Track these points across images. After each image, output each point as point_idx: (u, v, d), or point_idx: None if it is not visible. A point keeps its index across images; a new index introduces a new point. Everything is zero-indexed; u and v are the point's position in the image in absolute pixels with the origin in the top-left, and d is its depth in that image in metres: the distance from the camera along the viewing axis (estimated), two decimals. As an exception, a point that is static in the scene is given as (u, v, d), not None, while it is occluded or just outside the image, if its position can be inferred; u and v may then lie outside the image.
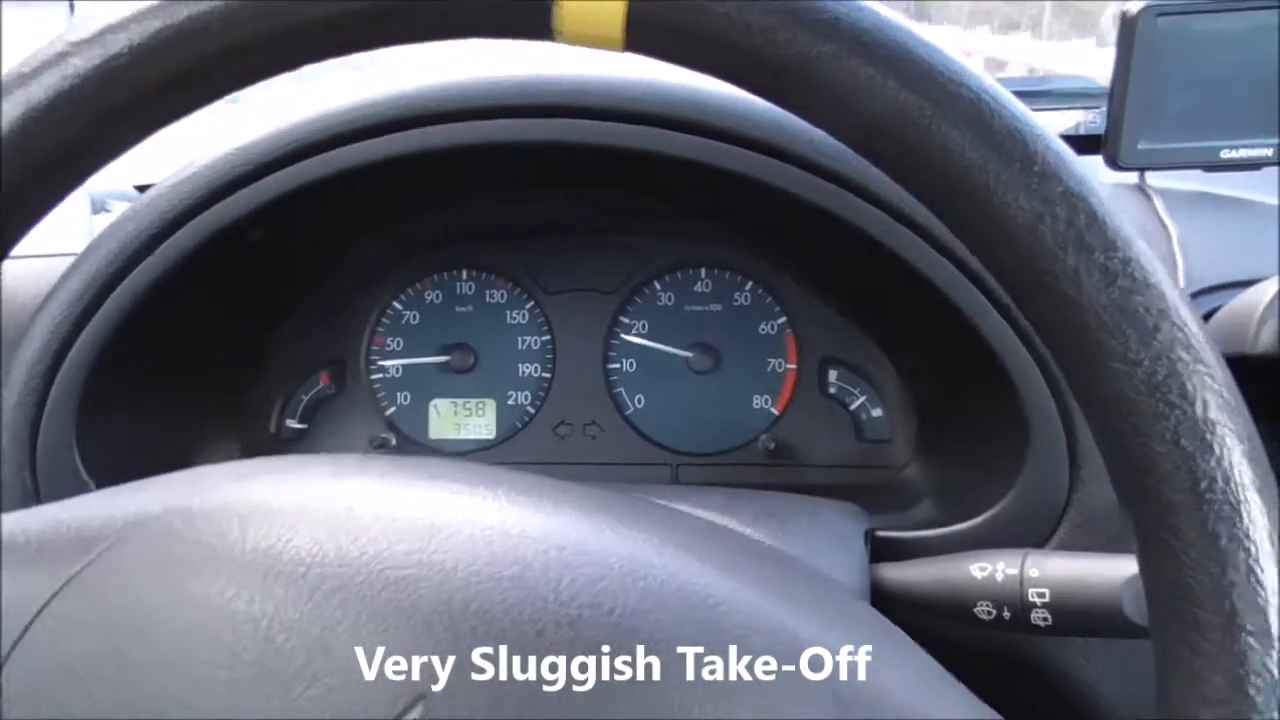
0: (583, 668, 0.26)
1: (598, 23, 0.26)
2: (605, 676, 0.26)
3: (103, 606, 0.28)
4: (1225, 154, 0.65)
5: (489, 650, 0.26)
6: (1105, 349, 0.24)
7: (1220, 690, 0.24)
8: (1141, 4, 0.61)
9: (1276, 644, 0.23)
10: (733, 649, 0.27)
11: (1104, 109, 0.66)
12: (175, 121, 0.29)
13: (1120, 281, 0.24)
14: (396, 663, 0.26)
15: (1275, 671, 0.23)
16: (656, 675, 0.26)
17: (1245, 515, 0.23)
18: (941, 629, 0.42)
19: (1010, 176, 0.25)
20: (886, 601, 0.45)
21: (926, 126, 0.25)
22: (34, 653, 0.28)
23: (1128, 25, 0.62)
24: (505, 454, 0.69)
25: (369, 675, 0.26)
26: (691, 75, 0.53)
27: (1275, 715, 0.23)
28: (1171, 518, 0.24)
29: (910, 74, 0.25)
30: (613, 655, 0.26)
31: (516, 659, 0.26)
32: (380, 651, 0.26)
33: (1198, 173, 0.68)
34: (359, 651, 0.26)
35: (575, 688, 0.26)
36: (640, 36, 0.26)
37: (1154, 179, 0.67)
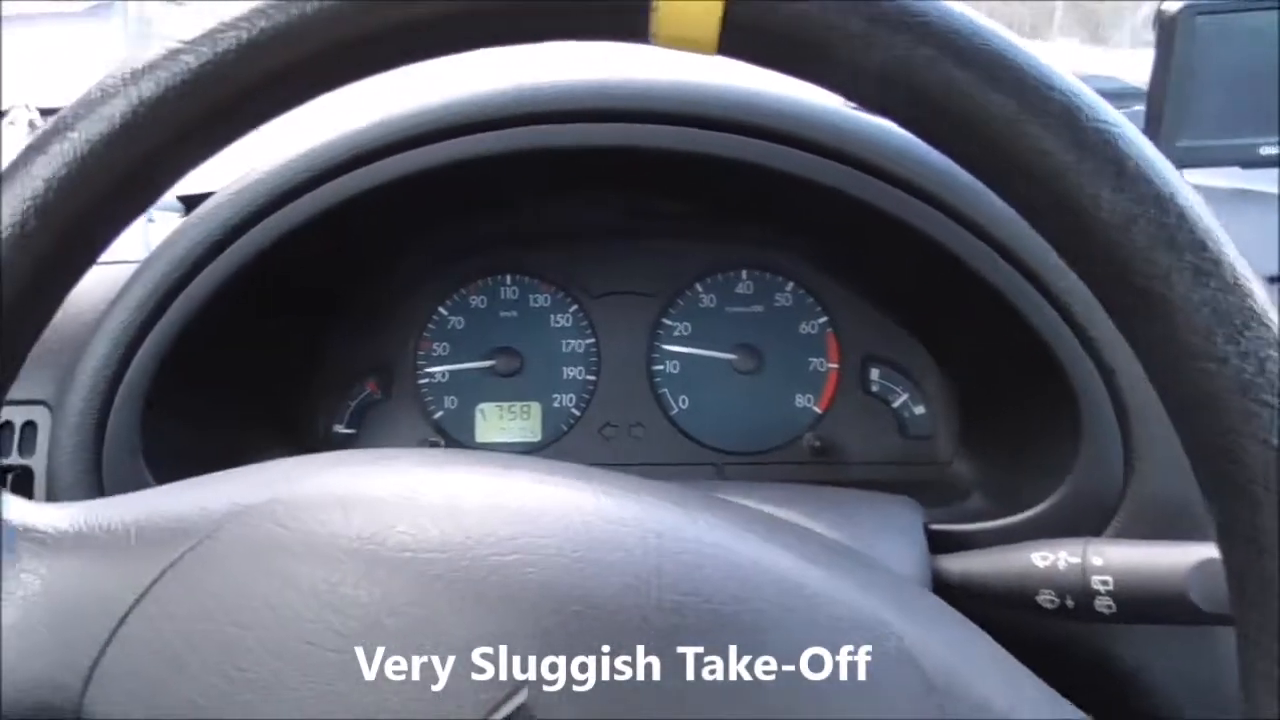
0: (682, 658, 0.27)
1: (694, 24, 0.27)
2: (704, 668, 0.27)
3: (206, 592, 0.29)
4: (1264, 150, 0.66)
5: (594, 634, 0.27)
6: (1195, 349, 0.25)
7: None
8: (1181, 3, 0.62)
9: None
10: (828, 639, 0.28)
11: (1136, 109, 0.67)
12: (280, 115, 0.30)
13: (1211, 282, 0.24)
14: (502, 649, 0.27)
15: None
16: (752, 665, 0.27)
17: None
18: (999, 621, 0.43)
19: (1102, 178, 0.25)
20: (948, 593, 0.46)
21: (1019, 128, 0.25)
22: (134, 640, 0.29)
23: (1167, 25, 0.63)
24: (551, 456, 0.70)
25: (475, 660, 0.27)
26: (731, 74, 0.54)
27: None
28: (1260, 516, 0.24)
29: (1003, 77, 0.25)
30: (713, 642, 0.27)
31: (620, 649, 0.27)
32: (486, 633, 0.27)
33: (1236, 170, 0.68)
34: (465, 633, 0.27)
35: (678, 672, 0.26)
36: (735, 38, 0.27)
37: (1192, 176, 0.67)
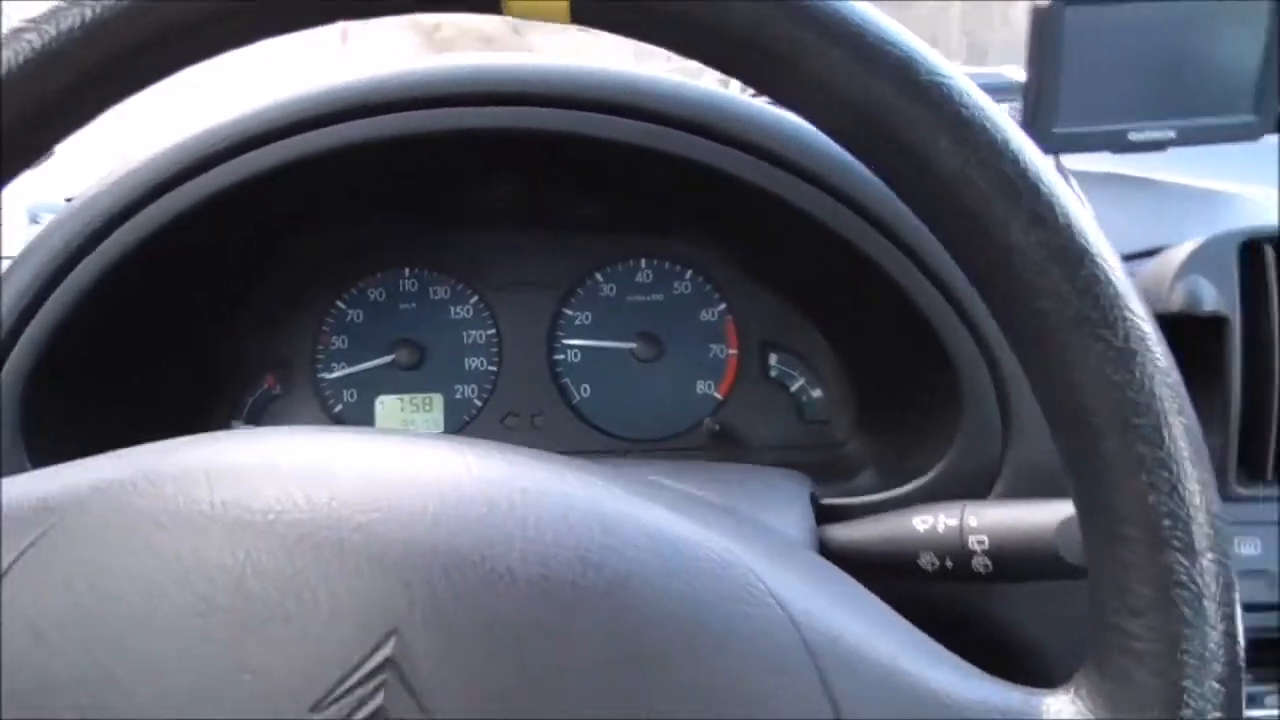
0: (552, 600, 0.27)
1: None
2: (575, 609, 0.27)
3: (68, 566, 0.28)
4: (1133, 136, 0.69)
5: (459, 586, 0.27)
6: (1034, 287, 0.26)
7: (1147, 600, 0.25)
8: (1050, -5, 0.65)
9: (1200, 557, 0.25)
10: (698, 582, 0.28)
11: (1018, 103, 0.70)
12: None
13: (1047, 223, 0.26)
14: (368, 600, 0.26)
15: (1199, 582, 0.25)
16: (624, 606, 0.27)
17: (1167, 436, 0.25)
18: (883, 591, 0.44)
19: (939, 129, 0.26)
20: (833, 560, 0.47)
21: (859, 81, 0.26)
22: None
23: (1039, 15, 0.66)
24: None
25: (341, 613, 0.26)
26: (624, 61, 0.55)
27: (1199, 623, 0.25)
28: (1100, 442, 0.25)
29: (840, 32, 0.26)
30: (582, 589, 0.27)
31: (486, 600, 0.27)
32: (351, 590, 0.26)
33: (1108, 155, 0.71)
34: (330, 591, 0.27)
35: (546, 619, 0.27)
36: (587, 6, 0.28)
37: (1069, 161, 0.70)
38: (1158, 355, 0.26)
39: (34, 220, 0.75)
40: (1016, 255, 0.26)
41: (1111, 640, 0.26)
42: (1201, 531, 0.25)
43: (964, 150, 0.26)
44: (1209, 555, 0.25)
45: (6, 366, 0.52)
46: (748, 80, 0.29)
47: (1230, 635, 0.25)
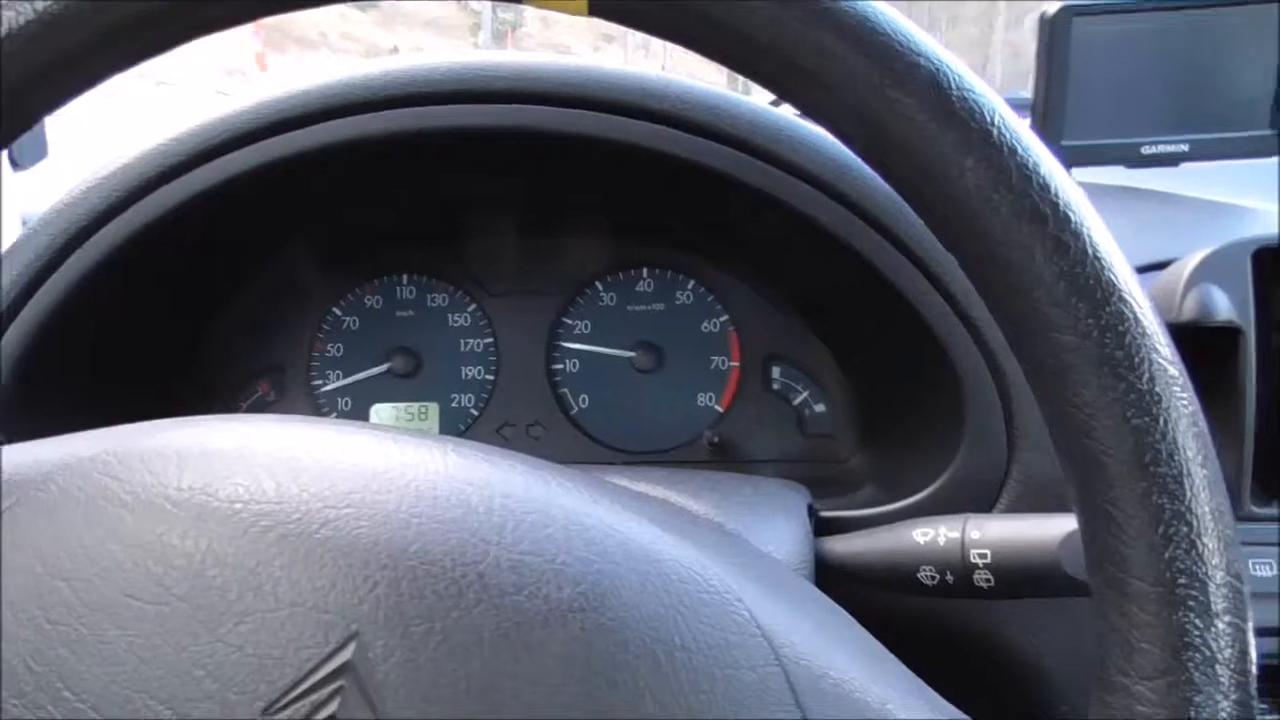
0: (523, 613, 0.26)
1: None
2: (545, 623, 0.26)
3: (27, 544, 0.27)
4: (1145, 150, 0.68)
5: (427, 591, 0.26)
6: (1055, 321, 0.24)
7: (1157, 663, 0.24)
8: (1059, 4, 0.64)
9: (1216, 620, 0.23)
10: (677, 605, 0.27)
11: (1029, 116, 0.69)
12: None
13: (1072, 253, 0.24)
14: (330, 600, 0.25)
15: (1213, 646, 0.23)
16: (596, 625, 0.26)
17: (1188, 489, 0.24)
18: (887, 606, 0.43)
19: (965, 148, 0.25)
20: (831, 573, 0.45)
21: (884, 94, 0.25)
22: None
23: (1046, 26, 0.65)
24: None
25: (301, 612, 0.25)
26: (627, 60, 0.54)
27: (1211, 691, 0.23)
28: (1115, 490, 0.24)
29: (870, 42, 0.25)
30: (555, 603, 0.26)
31: (454, 606, 0.25)
32: (314, 588, 0.25)
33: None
34: (292, 588, 0.25)
35: (514, 632, 0.25)
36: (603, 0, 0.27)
37: (1079, 174, 0.69)
38: (1184, 401, 0.24)
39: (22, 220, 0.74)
40: (1038, 284, 0.24)
41: (1115, 701, 0.25)
42: (1219, 592, 0.24)
43: (990, 171, 0.25)
44: (1225, 618, 0.24)
45: None
46: (765, 83, 0.28)
47: (1244, 704, 0.24)
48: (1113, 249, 0.25)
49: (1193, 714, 0.23)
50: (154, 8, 0.27)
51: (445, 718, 0.24)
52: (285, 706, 0.24)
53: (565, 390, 0.70)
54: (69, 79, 0.29)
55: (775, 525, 0.46)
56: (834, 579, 0.45)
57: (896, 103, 0.25)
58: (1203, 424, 0.24)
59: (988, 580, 0.41)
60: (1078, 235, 0.24)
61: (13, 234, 0.71)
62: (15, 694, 0.26)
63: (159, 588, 0.26)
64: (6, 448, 0.32)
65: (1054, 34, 0.64)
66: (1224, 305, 0.50)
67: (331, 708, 0.24)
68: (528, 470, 0.30)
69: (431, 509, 0.27)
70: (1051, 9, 0.64)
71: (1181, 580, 0.23)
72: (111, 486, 0.28)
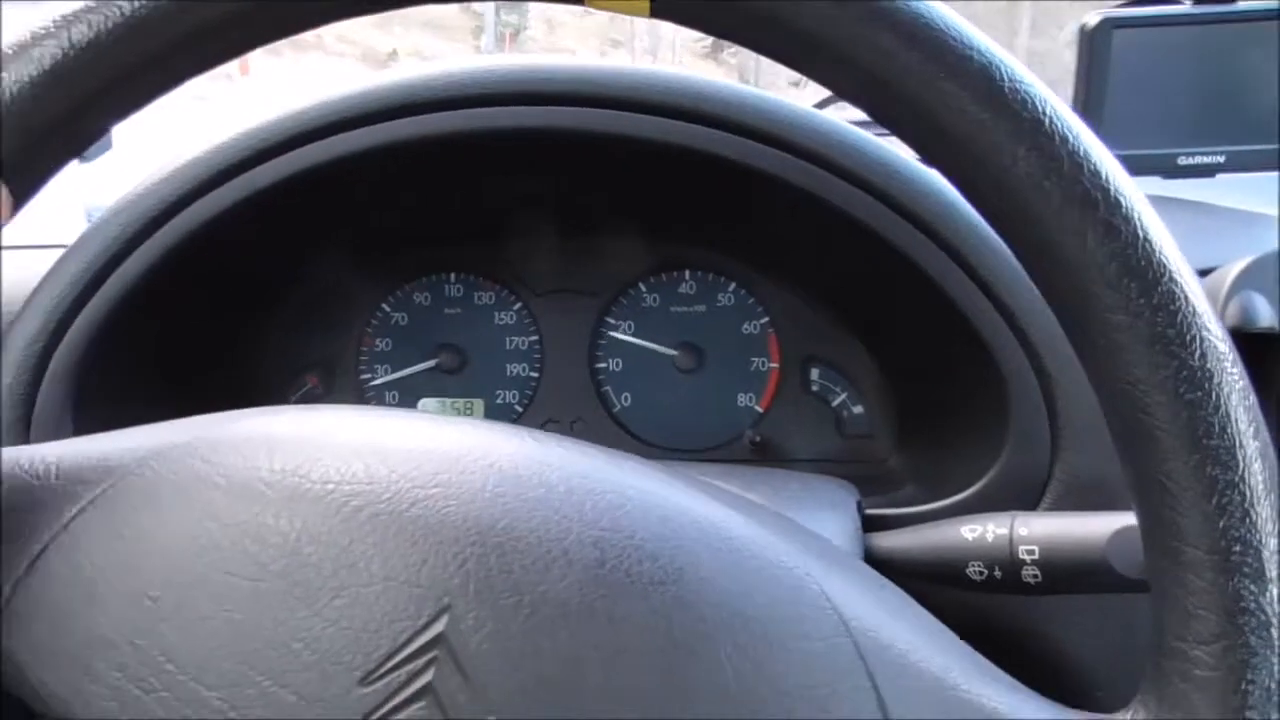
0: (606, 585, 0.27)
1: None
2: (628, 596, 0.27)
3: (125, 525, 0.29)
4: (1182, 161, 0.69)
5: (514, 565, 0.27)
6: (1107, 302, 0.25)
7: (1214, 627, 0.25)
8: (1099, 16, 0.65)
9: (1270, 585, 0.24)
10: (750, 579, 0.28)
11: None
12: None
13: (1123, 235, 0.25)
14: (423, 575, 0.26)
15: (1269, 610, 0.24)
16: (675, 598, 0.27)
17: (1240, 460, 0.25)
18: (930, 601, 0.43)
19: (1017, 137, 0.26)
20: (879, 568, 0.46)
21: (937, 86, 0.26)
22: (49, 573, 0.28)
23: (1086, 37, 0.66)
24: None
25: (394, 586, 0.26)
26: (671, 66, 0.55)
27: (1266, 653, 0.24)
28: (1170, 463, 0.25)
29: (924, 39, 0.26)
30: (635, 576, 0.27)
31: (541, 582, 0.27)
32: (406, 564, 0.27)
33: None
34: (384, 564, 0.27)
35: (598, 604, 0.26)
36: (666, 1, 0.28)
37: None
38: (1235, 376, 0.25)
39: (91, 220, 0.76)
40: (1091, 267, 0.25)
41: (1172, 666, 0.26)
42: (1273, 559, 0.25)
43: (1042, 159, 0.26)
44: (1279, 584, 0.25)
45: (57, 354, 0.52)
46: (822, 80, 0.29)
47: None
48: (1162, 233, 0.26)
49: (1249, 675, 0.24)
50: (240, 9, 0.29)
51: (533, 686, 0.25)
52: (382, 676, 0.26)
53: (608, 388, 0.71)
54: (153, 79, 0.30)
55: (824, 519, 0.47)
56: (881, 573, 0.46)
57: (950, 95, 0.26)
58: (1253, 398, 0.25)
59: (1035, 576, 0.42)
60: (1128, 219, 0.25)
61: (74, 226, 0.72)
62: (117, 667, 0.27)
63: (256, 565, 0.27)
64: (95, 436, 0.33)
65: (1094, 45, 0.66)
66: (1267, 312, 0.52)
67: (427, 677, 0.25)
68: (599, 454, 0.31)
69: (515, 488, 0.28)
70: (1092, 20, 0.65)
71: (1236, 548, 0.24)
72: (204, 470, 0.29)
